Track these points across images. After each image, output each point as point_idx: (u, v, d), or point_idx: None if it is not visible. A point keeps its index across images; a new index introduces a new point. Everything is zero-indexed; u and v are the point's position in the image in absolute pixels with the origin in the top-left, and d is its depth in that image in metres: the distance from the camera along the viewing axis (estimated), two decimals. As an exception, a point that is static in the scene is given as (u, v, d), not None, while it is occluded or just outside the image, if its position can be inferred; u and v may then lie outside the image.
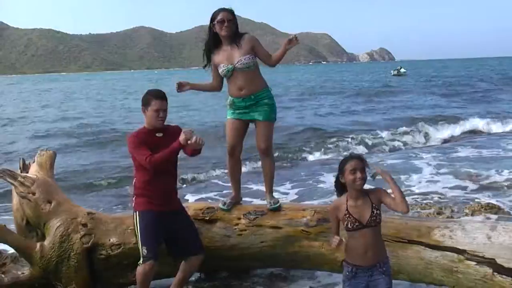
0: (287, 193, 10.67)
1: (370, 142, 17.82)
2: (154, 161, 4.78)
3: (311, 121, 25.11)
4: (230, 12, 5.43)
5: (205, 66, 5.65)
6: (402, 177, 11.34)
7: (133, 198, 5.11)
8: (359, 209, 3.90)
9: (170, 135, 4.98)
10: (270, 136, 5.57)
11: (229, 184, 6.04)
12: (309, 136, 19.65)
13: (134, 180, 5.13)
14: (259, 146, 5.56)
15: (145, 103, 4.96)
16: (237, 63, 5.36)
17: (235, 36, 5.47)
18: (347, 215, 3.90)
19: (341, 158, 4.44)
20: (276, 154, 11.28)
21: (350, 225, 3.89)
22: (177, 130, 5.05)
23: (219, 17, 5.37)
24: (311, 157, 15.81)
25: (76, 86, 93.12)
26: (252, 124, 5.61)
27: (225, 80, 5.62)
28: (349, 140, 18.07)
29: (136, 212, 5.00)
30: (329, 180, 10.93)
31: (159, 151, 4.80)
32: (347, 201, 3.95)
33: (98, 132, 23.76)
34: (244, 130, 5.64)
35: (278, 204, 5.47)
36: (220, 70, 5.49)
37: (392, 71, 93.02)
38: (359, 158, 4.00)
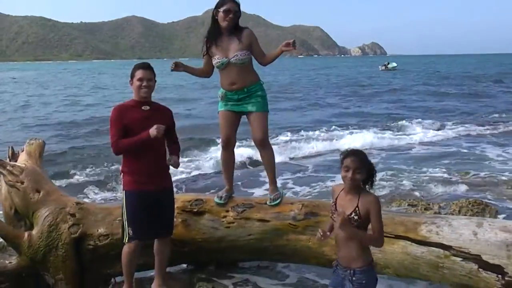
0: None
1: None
2: (118, 147, 4.83)
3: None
4: (237, 3, 5.39)
5: (204, 54, 5.58)
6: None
7: (121, 176, 5.10)
8: (343, 203, 3.76)
9: (158, 112, 5.00)
10: (265, 126, 5.53)
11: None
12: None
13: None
14: (255, 138, 5.53)
15: (131, 75, 4.96)
16: (233, 57, 5.33)
17: (235, 29, 5.43)
18: (333, 204, 3.84)
19: None
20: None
21: (331, 214, 3.84)
22: (165, 111, 5.11)
23: (225, 6, 5.31)
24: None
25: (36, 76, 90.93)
26: (244, 117, 5.59)
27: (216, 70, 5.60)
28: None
29: (123, 191, 5.00)
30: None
31: (144, 124, 4.77)
32: (341, 190, 3.88)
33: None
34: (237, 122, 5.62)
35: (278, 200, 5.43)
36: (214, 62, 5.46)
37: (380, 67, 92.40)
38: (356, 156, 3.76)
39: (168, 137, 5.10)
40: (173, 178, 5.37)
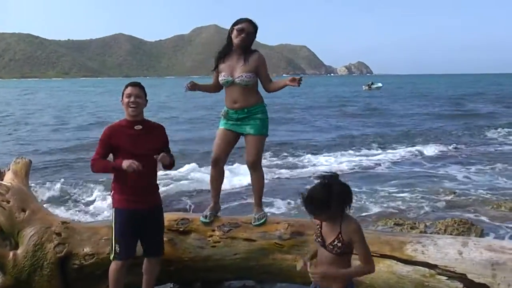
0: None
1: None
2: (94, 166, 4.86)
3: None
4: (254, 25, 5.46)
5: (214, 69, 5.66)
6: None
7: (111, 193, 5.09)
8: (326, 231, 3.68)
9: (150, 130, 5.00)
10: (259, 150, 5.57)
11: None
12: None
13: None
14: (248, 159, 5.57)
15: (122, 94, 4.98)
16: (238, 78, 5.40)
17: (246, 50, 5.48)
18: (318, 226, 3.80)
19: None
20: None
21: (315, 238, 3.81)
22: (158, 128, 5.12)
23: (240, 25, 5.40)
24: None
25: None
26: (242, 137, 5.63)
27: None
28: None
29: (113, 208, 5.00)
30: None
31: (135, 144, 4.80)
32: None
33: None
34: (233, 142, 5.66)
35: (263, 220, 5.45)
36: (220, 79, 5.53)
37: (363, 86, 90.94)
38: (310, 205, 3.57)
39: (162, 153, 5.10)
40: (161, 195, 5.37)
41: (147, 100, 5.07)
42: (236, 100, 5.47)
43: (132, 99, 4.88)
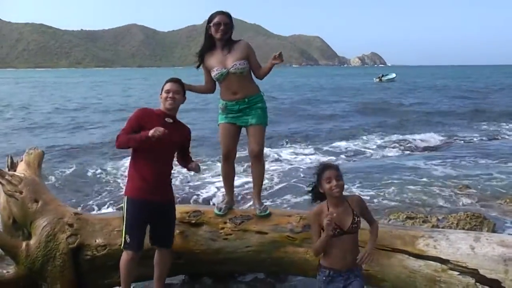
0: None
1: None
2: (119, 140, 4.91)
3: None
4: (227, 16, 5.46)
5: (198, 67, 5.66)
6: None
7: (126, 181, 5.13)
8: (340, 216, 3.95)
9: (177, 127, 5.10)
10: (262, 139, 5.57)
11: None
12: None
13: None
14: (252, 149, 5.55)
15: (161, 88, 5.10)
16: (232, 67, 5.38)
17: (229, 41, 5.49)
18: (330, 221, 3.92)
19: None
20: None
21: (332, 232, 3.93)
22: (185, 128, 5.23)
23: (215, 20, 5.40)
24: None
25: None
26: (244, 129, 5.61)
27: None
28: None
29: (125, 196, 5.03)
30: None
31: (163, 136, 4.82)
32: (328, 208, 3.99)
33: None
34: (237, 134, 5.64)
35: (268, 212, 5.46)
36: (213, 74, 5.50)
37: (374, 79, 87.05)
38: (332, 167, 4.08)
39: (181, 153, 5.25)
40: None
41: (185, 97, 5.19)
42: (236, 91, 5.45)
43: (170, 94, 5.00)
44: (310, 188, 4.20)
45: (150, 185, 4.93)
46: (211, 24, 5.43)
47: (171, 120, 5.03)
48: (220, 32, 5.40)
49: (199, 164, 5.26)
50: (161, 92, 5.07)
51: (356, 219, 3.99)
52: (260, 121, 5.50)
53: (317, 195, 4.14)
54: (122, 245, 4.96)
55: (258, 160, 5.63)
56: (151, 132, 4.70)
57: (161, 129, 4.71)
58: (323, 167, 4.07)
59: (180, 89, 5.09)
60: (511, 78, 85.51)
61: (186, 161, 5.29)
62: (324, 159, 15.59)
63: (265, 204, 5.67)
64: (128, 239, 4.91)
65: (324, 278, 4.07)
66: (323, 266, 4.09)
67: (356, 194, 4.09)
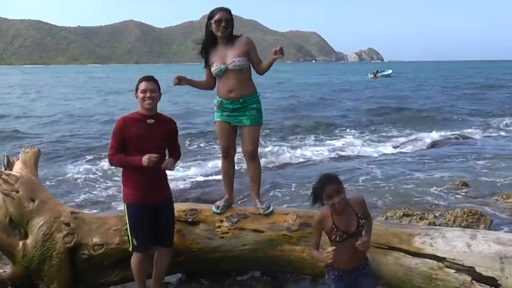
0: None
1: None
2: (112, 161, 4.97)
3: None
4: (228, 12, 5.43)
5: (205, 66, 5.63)
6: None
7: (122, 187, 5.13)
8: (344, 222, 3.99)
9: (160, 123, 5.02)
10: (257, 139, 5.59)
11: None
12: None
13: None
14: (246, 149, 5.57)
15: (136, 88, 4.99)
16: (230, 64, 5.36)
17: (231, 37, 5.46)
18: (335, 229, 3.98)
19: None
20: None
21: (339, 238, 3.97)
22: (169, 122, 5.15)
23: (216, 17, 5.37)
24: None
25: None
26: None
27: None
28: None
29: (124, 203, 5.04)
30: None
31: (146, 137, 4.85)
32: (331, 214, 4.00)
33: None
34: (234, 131, 5.64)
35: (271, 209, 5.46)
36: (212, 69, 5.48)
37: (369, 75, 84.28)
38: (331, 181, 3.99)
39: (169, 146, 5.16)
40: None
41: (161, 93, 5.08)
42: (232, 89, 5.43)
43: (148, 94, 4.90)
44: (311, 200, 4.13)
45: (145, 190, 4.93)
46: (212, 21, 5.40)
47: (152, 121, 4.96)
48: (222, 29, 5.37)
49: (172, 160, 5.06)
50: (136, 92, 4.97)
51: (361, 223, 4.03)
52: (254, 122, 5.50)
53: (315, 198, 4.09)
54: (131, 248, 4.99)
55: (253, 160, 5.65)
56: (144, 163, 4.71)
57: (153, 157, 4.71)
58: (323, 183, 3.98)
59: (156, 87, 4.99)
60: (508, 74, 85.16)
61: (171, 155, 5.17)
62: (317, 158, 15.78)
63: (265, 202, 5.68)
64: (135, 242, 4.96)
65: (333, 277, 4.14)
66: (331, 266, 4.12)
67: (360, 195, 4.05)
